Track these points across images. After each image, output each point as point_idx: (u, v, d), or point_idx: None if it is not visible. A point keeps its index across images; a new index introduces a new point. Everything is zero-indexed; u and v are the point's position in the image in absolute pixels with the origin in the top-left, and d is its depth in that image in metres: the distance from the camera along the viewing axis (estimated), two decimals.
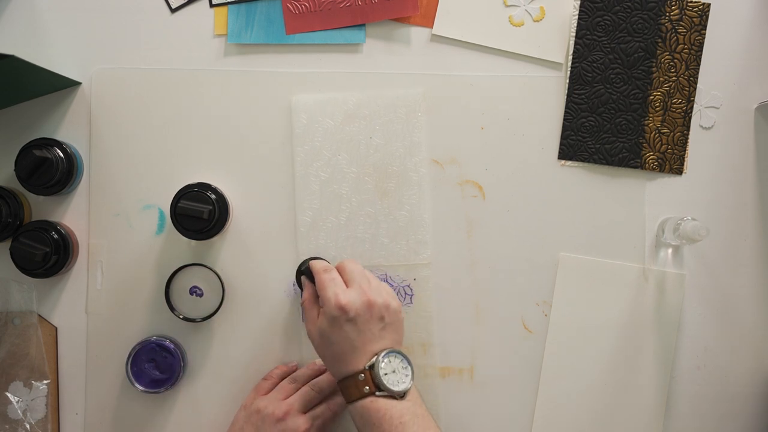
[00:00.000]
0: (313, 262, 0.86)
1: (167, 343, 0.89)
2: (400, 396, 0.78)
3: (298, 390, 0.88)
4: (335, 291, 0.80)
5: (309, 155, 0.92)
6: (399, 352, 0.80)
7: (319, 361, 0.91)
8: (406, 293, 0.92)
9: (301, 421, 0.84)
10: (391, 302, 0.82)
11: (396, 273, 0.92)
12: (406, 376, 0.79)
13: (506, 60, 0.94)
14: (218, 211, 0.86)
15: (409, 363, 0.80)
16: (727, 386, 0.96)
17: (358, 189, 0.93)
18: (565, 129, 0.94)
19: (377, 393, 0.77)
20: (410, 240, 0.93)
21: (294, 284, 0.92)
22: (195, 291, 0.91)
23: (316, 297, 0.84)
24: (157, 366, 0.89)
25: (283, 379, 0.90)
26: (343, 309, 0.79)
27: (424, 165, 0.93)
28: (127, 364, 0.89)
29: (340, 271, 0.84)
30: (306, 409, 0.86)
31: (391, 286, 0.92)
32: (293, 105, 0.93)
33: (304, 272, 0.87)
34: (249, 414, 0.86)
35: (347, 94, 0.93)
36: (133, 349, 0.89)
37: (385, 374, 0.77)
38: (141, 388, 0.88)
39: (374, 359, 0.78)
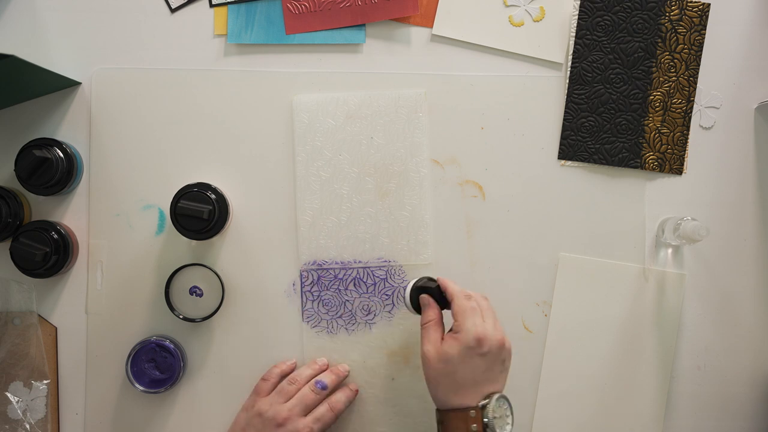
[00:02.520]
0: (447, 282, 0.84)
1: (167, 343, 0.89)
2: None
3: (298, 391, 0.87)
4: (475, 321, 0.80)
5: (310, 155, 0.92)
6: (507, 399, 0.79)
7: (321, 360, 0.91)
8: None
9: (302, 425, 0.84)
10: (511, 348, 0.82)
11: (396, 273, 0.92)
12: (508, 424, 0.79)
13: (506, 60, 0.94)
14: (218, 211, 0.86)
15: (512, 411, 0.79)
16: (727, 386, 0.96)
17: (359, 189, 0.93)
18: (565, 129, 0.94)
19: None
20: (411, 240, 0.93)
21: (308, 275, 0.92)
22: (195, 291, 0.91)
23: (441, 319, 0.83)
24: (157, 366, 0.89)
25: (282, 378, 0.90)
26: (480, 341, 0.78)
27: (425, 165, 0.93)
28: (127, 364, 0.89)
29: (475, 301, 0.83)
30: (307, 411, 0.86)
31: (392, 286, 0.92)
32: (294, 104, 0.93)
33: (427, 290, 0.85)
34: (250, 417, 0.86)
35: (348, 94, 0.93)
36: (133, 349, 0.89)
37: (494, 417, 0.77)
38: (141, 388, 0.88)
39: (488, 400, 0.78)
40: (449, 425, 0.78)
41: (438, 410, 0.81)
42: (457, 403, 0.78)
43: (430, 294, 0.85)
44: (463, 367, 0.78)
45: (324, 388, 0.87)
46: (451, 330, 0.81)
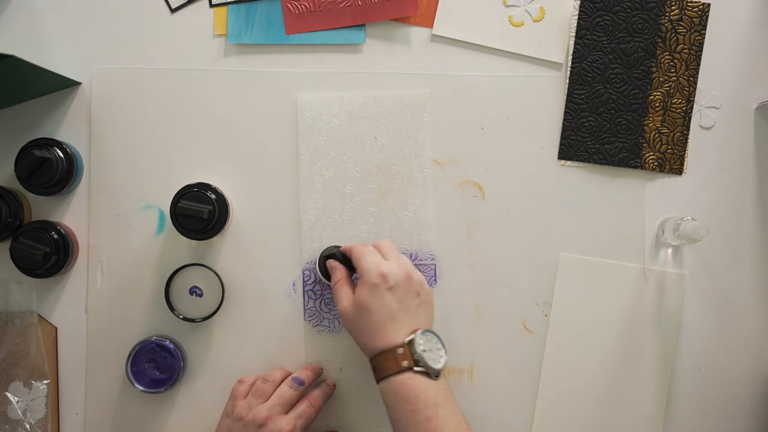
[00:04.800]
0: (348, 244, 0.87)
1: (167, 343, 0.89)
2: (436, 375, 0.78)
3: (275, 389, 0.87)
4: (375, 260, 0.81)
5: (314, 154, 0.92)
6: (434, 333, 0.80)
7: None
8: None
9: (284, 423, 0.83)
10: (425, 282, 0.83)
11: None
12: (441, 357, 0.79)
13: (506, 60, 0.94)
14: (218, 211, 0.86)
15: (443, 344, 0.80)
16: (727, 386, 0.96)
17: (362, 188, 0.93)
18: (565, 129, 0.94)
19: (415, 368, 0.77)
20: (413, 240, 0.93)
21: (310, 274, 0.92)
22: (195, 291, 0.91)
23: (349, 278, 0.85)
24: (157, 366, 0.89)
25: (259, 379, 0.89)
26: (384, 277, 0.80)
27: (429, 165, 0.93)
28: (127, 364, 0.89)
29: (376, 247, 0.85)
30: (287, 409, 0.85)
31: None
32: (298, 103, 0.93)
33: (333, 256, 0.87)
34: (232, 422, 0.85)
35: (353, 93, 0.93)
36: (133, 349, 0.89)
37: (423, 351, 0.77)
38: (141, 388, 0.88)
39: (413, 335, 0.78)
40: (380, 368, 0.78)
41: (370, 360, 0.81)
42: (382, 344, 0.78)
43: (336, 258, 0.87)
44: (376, 306, 0.79)
45: (301, 384, 0.87)
46: (358, 281, 0.82)
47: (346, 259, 0.86)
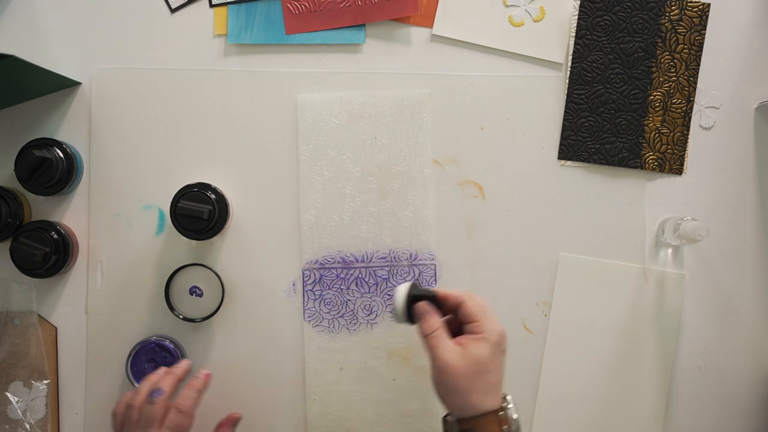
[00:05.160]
0: (446, 291, 0.79)
1: (167, 343, 0.89)
2: None
3: (140, 414, 0.80)
4: (494, 319, 0.77)
5: (314, 154, 0.92)
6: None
7: (160, 370, 0.84)
8: None
9: None
10: None
11: (399, 273, 0.92)
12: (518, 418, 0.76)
13: (506, 60, 0.94)
14: (218, 211, 0.86)
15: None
16: (727, 386, 0.96)
17: (362, 188, 0.93)
18: (565, 129, 0.94)
19: None
20: (413, 240, 0.93)
21: (310, 274, 0.92)
22: (195, 291, 0.91)
23: (446, 325, 0.78)
24: (156, 366, 0.89)
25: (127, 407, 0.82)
26: (504, 338, 0.76)
27: (428, 165, 0.93)
28: (127, 364, 0.89)
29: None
30: (158, 425, 0.79)
31: (394, 286, 0.92)
32: (298, 103, 0.93)
33: (425, 298, 0.79)
34: None
35: (353, 93, 0.93)
36: (133, 349, 0.89)
37: (515, 417, 0.75)
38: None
39: (508, 397, 0.76)
40: (481, 430, 0.73)
41: (461, 420, 0.74)
42: (490, 406, 0.73)
43: (430, 300, 0.79)
44: (495, 366, 0.75)
45: (161, 394, 0.80)
46: (462, 334, 0.77)
47: (436, 302, 0.79)
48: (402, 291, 0.79)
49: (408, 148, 0.93)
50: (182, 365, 0.85)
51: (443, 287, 0.82)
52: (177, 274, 0.91)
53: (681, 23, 0.94)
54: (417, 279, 0.87)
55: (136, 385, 0.88)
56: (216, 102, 0.93)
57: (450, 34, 0.94)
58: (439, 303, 0.79)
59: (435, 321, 0.78)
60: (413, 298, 0.79)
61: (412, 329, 0.89)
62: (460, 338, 0.76)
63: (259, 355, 0.92)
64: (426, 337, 0.78)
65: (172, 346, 0.89)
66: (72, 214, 0.92)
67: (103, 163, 0.92)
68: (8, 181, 0.91)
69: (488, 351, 0.74)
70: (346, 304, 0.92)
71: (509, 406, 0.74)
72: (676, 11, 0.94)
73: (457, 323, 0.78)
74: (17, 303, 0.91)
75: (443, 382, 0.75)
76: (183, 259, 0.92)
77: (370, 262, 0.92)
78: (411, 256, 0.93)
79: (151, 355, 0.89)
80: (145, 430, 0.78)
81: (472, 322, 0.76)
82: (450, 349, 0.75)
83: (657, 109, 0.94)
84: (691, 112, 0.95)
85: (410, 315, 0.80)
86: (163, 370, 0.84)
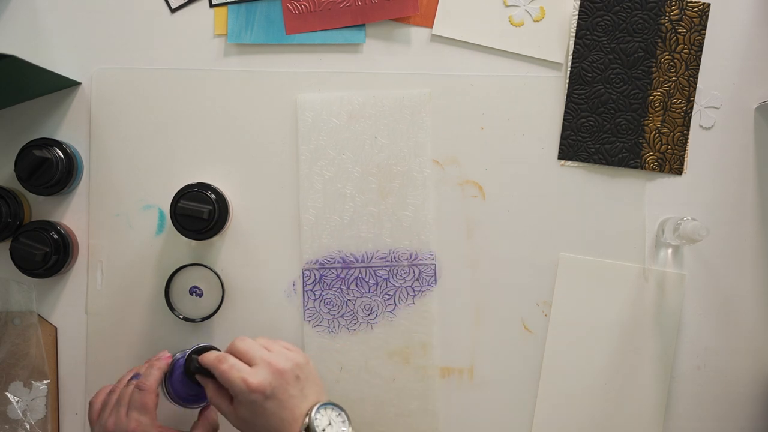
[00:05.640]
0: (203, 357, 0.79)
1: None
2: None
3: (118, 396, 0.81)
4: (242, 376, 0.75)
5: (313, 154, 0.92)
6: (327, 403, 0.76)
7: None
8: (408, 294, 0.92)
9: (124, 422, 0.78)
10: (297, 358, 0.78)
11: (399, 273, 0.93)
12: (343, 422, 0.76)
13: (506, 60, 0.94)
14: (218, 211, 0.86)
15: (342, 409, 0.77)
16: (727, 386, 0.96)
17: (362, 188, 0.93)
18: (565, 129, 0.94)
19: None
20: (413, 240, 0.93)
21: (310, 274, 0.92)
22: (195, 291, 0.91)
23: (219, 389, 0.78)
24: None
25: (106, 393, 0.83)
26: (258, 390, 0.74)
27: (429, 165, 0.93)
28: (165, 378, 0.83)
29: (234, 353, 0.78)
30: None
31: (394, 286, 0.92)
32: (298, 103, 0.93)
33: (197, 370, 0.79)
34: None
35: (353, 93, 0.93)
36: (174, 361, 0.84)
37: (323, 430, 0.74)
38: (179, 403, 0.84)
39: (306, 420, 0.74)
40: None
41: None
42: None
43: (201, 372, 0.79)
44: (261, 419, 0.75)
45: (137, 378, 0.81)
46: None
47: (205, 368, 0.79)
48: (180, 367, 0.81)
49: (408, 148, 0.93)
50: (162, 355, 0.84)
51: (208, 354, 0.79)
52: (177, 274, 0.91)
53: (681, 23, 0.94)
54: (195, 349, 0.83)
55: (174, 399, 0.84)
56: (216, 102, 0.93)
57: (450, 34, 0.94)
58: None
59: (209, 392, 0.79)
60: (190, 371, 0.80)
61: (412, 329, 0.90)
62: (233, 400, 0.77)
63: None
64: (213, 407, 0.80)
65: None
66: (72, 214, 0.92)
67: (103, 163, 0.92)
68: (8, 181, 0.91)
69: (246, 411, 0.75)
70: (346, 304, 0.92)
71: (309, 427, 0.74)
72: (676, 11, 0.94)
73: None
74: (17, 303, 0.91)
75: None
76: (183, 259, 0.92)
77: (370, 262, 0.92)
78: (411, 256, 0.93)
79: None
80: (117, 410, 0.79)
81: (228, 387, 0.76)
82: (227, 413, 0.77)
83: (657, 109, 0.94)
84: (691, 112, 0.95)
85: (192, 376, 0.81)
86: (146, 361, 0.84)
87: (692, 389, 0.95)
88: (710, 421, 0.95)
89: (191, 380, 0.81)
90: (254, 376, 0.75)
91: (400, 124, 0.93)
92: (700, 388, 0.95)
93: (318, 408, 0.75)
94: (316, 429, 0.74)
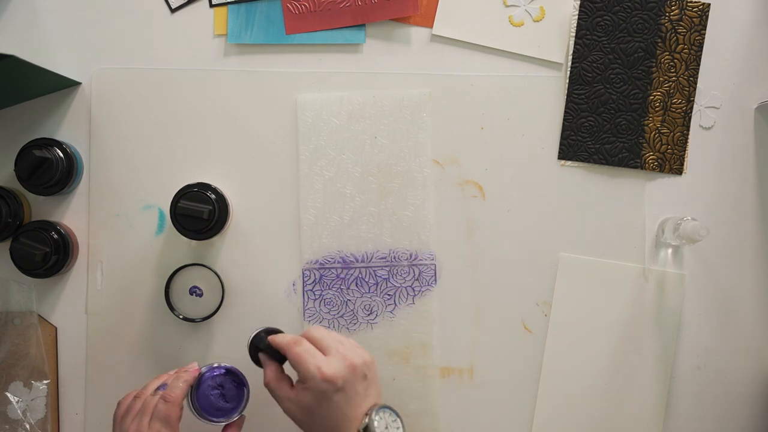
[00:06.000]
0: (275, 338, 0.80)
1: (236, 368, 0.85)
2: None
3: (144, 403, 0.80)
4: (317, 364, 0.75)
5: (313, 154, 0.92)
6: (385, 406, 0.77)
7: (172, 371, 0.85)
8: (408, 294, 0.92)
9: (141, 428, 0.78)
10: (366, 357, 0.78)
11: (399, 273, 0.93)
12: (398, 429, 0.76)
13: (506, 60, 0.94)
14: (218, 211, 0.86)
15: (397, 414, 0.77)
16: (727, 386, 0.96)
17: (362, 188, 0.93)
18: (565, 129, 0.94)
19: None
20: (413, 240, 0.93)
21: (310, 274, 0.91)
22: (195, 291, 0.91)
23: (282, 373, 0.79)
24: (223, 394, 0.84)
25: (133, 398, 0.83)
26: (330, 381, 0.74)
27: (428, 165, 0.93)
28: (191, 391, 0.83)
29: (309, 340, 0.79)
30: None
31: (394, 286, 0.92)
32: (298, 103, 0.93)
33: (264, 349, 0.80)
34: None
35: (353, 93, 0.93)
36: (201, 374, 0.83)
37: (385, 429, 0.75)
38: (204, 417, 0.83)
39: (366, 420, 0.75)
40: None
41: None
42: None
43: (267, 352, 0.80)
44: (327, 410, 0.75)
45: (164, 389, 0.81)
46: (299, 380, 0.77)
47: (273, 348, 0.80)
48: (249, 340, 0.81)
49: (408, 148, 0.93)
50: (191, 367, 0.84)
51: (280, 335, 0.81)
52: (177, 274, 0.91)
53: (681, 23, 0.94)
54: (265, 329, 0.83)
55: (199, 413, 0.83)
56: (216, 102, 0.93)
57: (450, 34, 0.94)
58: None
59: (268, 373, 0.79)
60: (256, 348, 0.81)
61: (412, 329, 0.90)
62: (296, 384, 0.77)
63: None
64: (266, 387, 0.79)
65: (241, 372, 0.85)
66: (72, 214, 0.92)
67: (103, 163, 0.92)
68: (8, 181, 0.91)
69: (311, 399, 0.75)
70: (346, 304, 0.92)
71: (368, 428, 0.74)
72: (676, 11, 0.94)
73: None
74: (17, 303, 0.91)
75: (297, 424, 0.77)
76: (183, 259, 0.92)
77: (370, 262, 0.92)
78: (411, 256, 0.93)
79: (219, 381, 0.84)
80: (139, 418, 0.78)
81: (297, 372, 0.77)
82: (284, 398, 0.77)
83: (657, 109, 0.94)
84: (691, 112, 0.95)
85: (257, 360, 0.81)
86: (173, 371, 0.84)
87: (692, 389, 0.95)
88: (710, 421, 0.95)
89: (253, 359, 0.81)
90: (328, 366, 0.75)
91: (400, 124, 0.93)
92: (700, 388, 0.95)
93: (378, 410, 0.76)
94: (375, 430, 0.74)
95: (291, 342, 0.78)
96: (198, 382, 0.83)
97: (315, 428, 0.76)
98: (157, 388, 0.81)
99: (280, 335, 0.80)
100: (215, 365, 0.84)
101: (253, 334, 0.82)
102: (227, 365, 0.84)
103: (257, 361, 0.82)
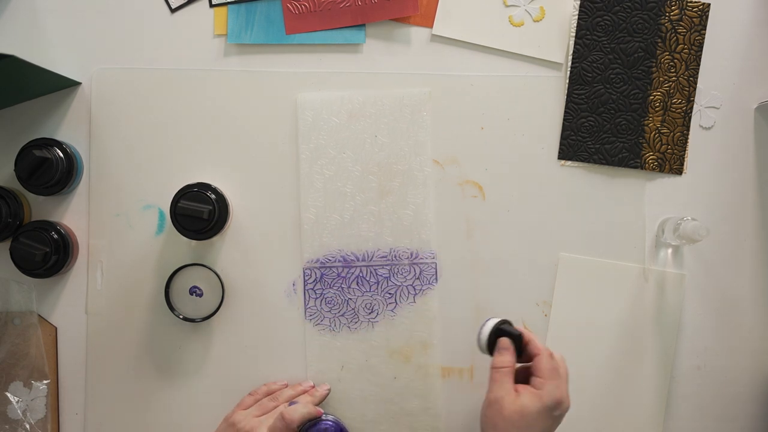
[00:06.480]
0: (531, 336, 0.83)
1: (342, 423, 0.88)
2: None
3: (275, 408, 0.87)
4: (559, 384, 0.79)
5: (314, 153, 0.92)
6: None
7: (306, 383, 0.91)
8: (409, 292, 0.92)
9: None
10: (568, 406, 0.81)
11: (399, 271, 0.92)
12: None
13: (506, 60, 0.95)
14: (218, 211, 0.86)
15: None
16: (727, 386, 0.96)
17: (362, 187, 0.93)
18: (565, 129, 0.94)
19: None
20: (414, 239, 0.93)
21: (311, 273, 0.92)
22: (195, 291, 0.91)
23: (514, 367, 0.82)
24: None
25: (267, 396, 0.90)
26: (558, 405, 0.78)
27: (429, 164, 0.93)
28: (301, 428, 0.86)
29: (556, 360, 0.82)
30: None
31: (395, 285, 0.92)
32: (298, 102, 0.93)
33: (513, 337, 0.83)
34: (226, 426, 0.86)
35: (353, 92, 0.93)
36: (318, 420, 0.87)
37: None
38: None
39: None
40: None
41: None
42: None
43: (513, 338, 0.83)
44: (539, 425, 0.78)
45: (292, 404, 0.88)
46: (528, 383, 0.80)
47: (518, 342, 0.83)
48: (491, 323, 0.84)
49: (408, 146, 0.93)
50: (323, 391, 0.91)
51: (533, 334, 0.84)
52: (177, 274, 0.91)
53: (681, 23, 0.94)
54: (508, 321, 0.87)
55: None
56: (216, 102, 0.93)
57: (450, 34, 0.94)
58: (522, 347, 0.83)
59: (507, 359, 0.82)
60: (500, 331, 0.83)
61: (413, 327, 0.90)
62: (520, 386, 0.80)
63: (260, 355, 0.92)
64: (493, 369, 0.82)
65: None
66: (72, 214, 0.92)
67: (103, 163, 0.92)
68: (8, 181, 0.91)
69: (537, 408, 0.77)
70: (347, 303, 0.92)
71: None
72: (676, 11, 0.94)
73: (528, 374, 0.82)
74: (17, 303, 0.91)
75: (488, 415, 0.79)
76: (183, 259, 0.92)
77: (370, 260, 0.92)
78: (412, 254, 0.93)
79: None
80: (263, 423, 0.85)
81: (537, 377, 0.79)
82: (505, 389, 0.79)
83: (657, 109, 0.94)
84: (691, 112, 0.95)
85: (491, 346, 0.84)
86: (306, 384, 0.91)
87: (692, 389, 0.95)
88: (710, 421, 0.95)
89: (490, 341, 0.83)
90: (563, 393, 0.79)
91: (400, 123, 0.93)
92: (700, 388, 0.95)
93: None
94: None
95: (547, 351, 0.81)
96: (308, 426, 0.86)
97: (512, 431, 0.78)
98: (290, 403, 0.87)
99: (533, 335, 0.84)
100: (329, 417, 0.88)
101: (497, 320, 0.84)
102: (342, 424, 0.88)
103: (491, 345, 0.83)
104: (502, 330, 0.84)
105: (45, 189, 0.87)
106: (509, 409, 0.78)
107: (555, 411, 0.78)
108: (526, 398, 0.78)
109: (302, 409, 0.85)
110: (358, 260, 0.92)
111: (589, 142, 0.94)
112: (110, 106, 0.92)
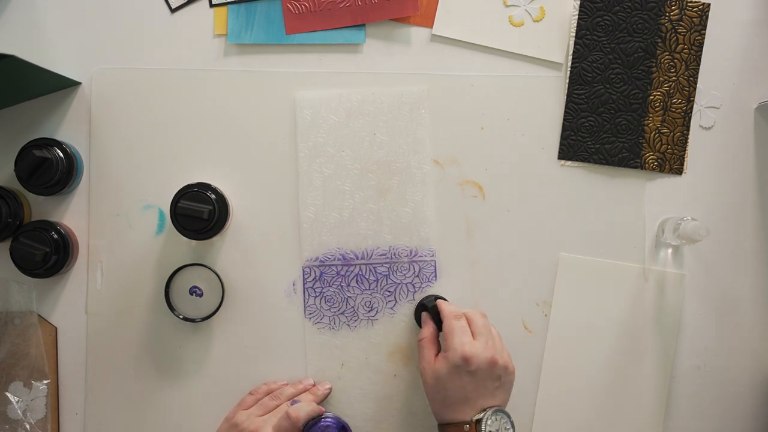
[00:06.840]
0: (442, 303, 0.88)
1: (349, 428, 0.87)
2: None
3: (277, 407, 0.88)
4: (462, 340, 0.81)
5: (312, 151, 0.92)
6: (506, 413, 0.80)
7: (306, 380, 0.91)
8: (408, 290, 0.92)
9: None
10: (510, 364, 0.84)
11: (399, 270, 0.92)
12: None
13: (506, 60, 0.95)
14: (218, 211, 0.86)
15: (513, 426, 0.81)
16: (727, 386, 0.96)
17: (361, 185, 0.93)
18: (565, 129, 0.94)
19: None
20: (413, 237, 0.93)
21: (310, 272, 0.92)
22: (195, 291, 0.91)
23: (436, 337, 0.86)
24: None
25: (268, 395, 0.90)
26: (467, 360, 0.80)
27: (428, 162, 0.93)
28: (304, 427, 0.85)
29: (468, 320, 0.85)
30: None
31: (394, 283, 0.92)
32: (297, 101, 0.93)
33: (429, 310, 0.89)
34: (228, 427, 0.86)
35: (351, 90, 0.93)
36: (319, 418, 0.86)
37: (489, 431, 0.78)
38: None
39: (483, 414, 0.79)
40: None
41: (438, 424, 0.83)
42: (450, 418, 0.80)
43: (431, 313, 0.88)
44: (453, 384, 0.80)
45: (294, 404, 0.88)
46: (443, 350, 0.83)
47: (437, 313, 0.88)
48: (418, 300, 0.92)
49: (407, 144, 0.93)
50: (324, 390, 0.91)
51: (446, 302, 0.89)
52: (177, 274, 0.91)
53: (681, 23, 0.94)
54: (437, 296, 0.92)
55: None
56: (216, 102, 0.93)
57: (450, 34, 0.94)
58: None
59: (425, 330, 0.87)
60: (422, 307, 0.90)
61: (413, 325, 0.90)
62: (440, 353, 0.83)
63: (260, 354, 0.92)
64: (417, 343, 0.87)
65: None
66: (72, 214, 0.92)
67: (103, 163, 0.92)
68: (8, 181, 0.91)
69: (446, 369, 0.81)
70: (347, 301, 0.92)
71: (479, 422, 0.78)
72: (676, 11, 0.94)
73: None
74: (17, 303, 0.91)
75: (423, 386, 0.84)
76: (183, 259, 0.92)
77: (370, 258, 0.92)
78: (411, 252, 0.93)
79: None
80: (268, 421, 0.85)
81: (444, 341, 0.83)
82: (426, 359, 0.84)
83: (657, 109, 0.94)
84: (691, 112, 0.95)
85: (419, 322, 0.91)
86: (307, 382, 0.91)
87: (692, 389, 0.95)
88: (710, 421, 0.95)
89: (417, 318, 0.91)
90: (471, 347, 0.81)
91: (399, 121, 0.93)
92: (700, 388, 0.95)
93: (496, 411, 0.80)
94: (485, 427, 0.78)
95: (452, 313, 0.85)
96: (311, 425, 0.85)
97: (436, 397, 0.82)
98: (293, 402, 0.87)
99: (447, 304, 0.88)
100: (330, 415, 0.87)
101: (425, 296, 0.91)
102: (344, 421, 0.87)
103: (419, 321, 0.90)
104: (424, 305, 0.90)
105: (45, 189, 0.87)
106: (429, 377, 0.82)
107: (467, 367, 0.80)
108: (438, 362, 0.82)
109: (307, 407, 0.85)
110: (357, 258, 0.92)
111: (589, 142, 0.94)
112: (110, 106, 0.92)
